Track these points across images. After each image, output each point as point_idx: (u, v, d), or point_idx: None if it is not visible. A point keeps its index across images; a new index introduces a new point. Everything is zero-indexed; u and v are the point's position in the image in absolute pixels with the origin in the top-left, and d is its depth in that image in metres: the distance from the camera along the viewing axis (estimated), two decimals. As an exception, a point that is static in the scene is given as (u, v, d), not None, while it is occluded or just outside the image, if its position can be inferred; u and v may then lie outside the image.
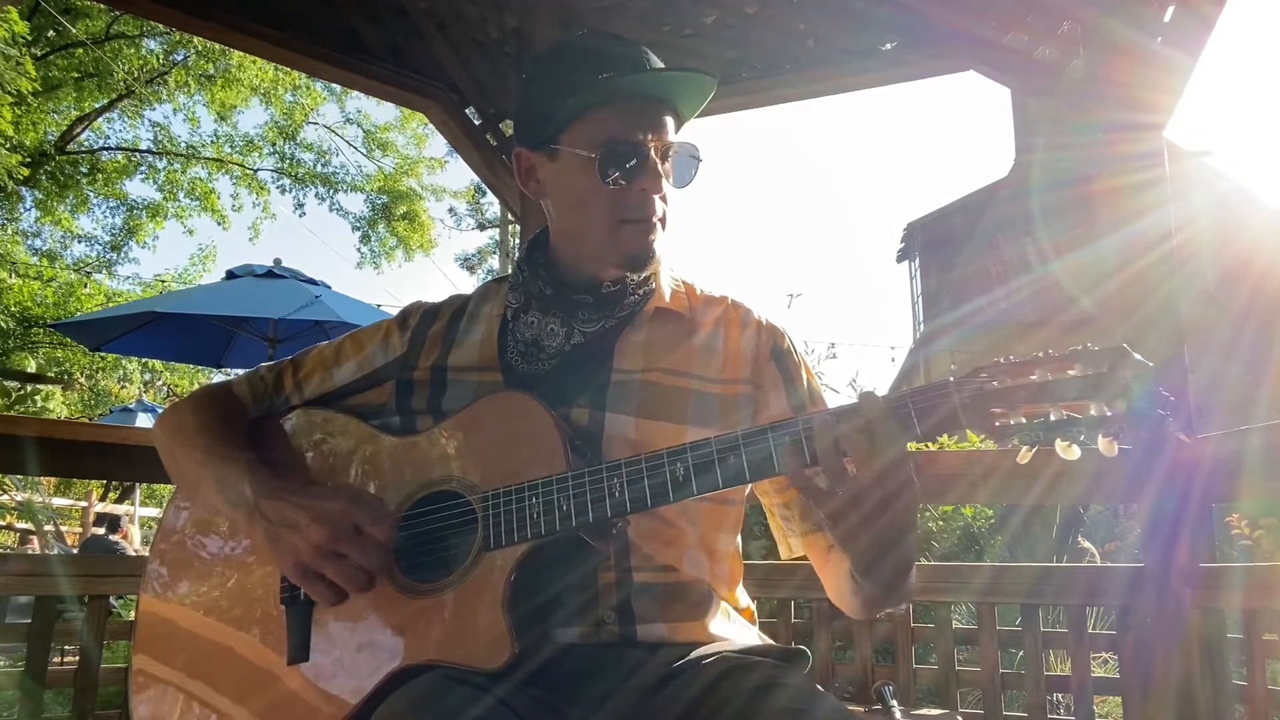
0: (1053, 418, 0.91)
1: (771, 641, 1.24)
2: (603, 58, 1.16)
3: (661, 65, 1.20)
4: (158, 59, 16.94)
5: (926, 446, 3.96)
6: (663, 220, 1.20)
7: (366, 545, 1.08)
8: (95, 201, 18.02)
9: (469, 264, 26.11)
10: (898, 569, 1.03)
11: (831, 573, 1.22)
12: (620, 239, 1.18)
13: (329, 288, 6.77)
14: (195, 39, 14.96)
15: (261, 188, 19.05)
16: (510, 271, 1.33)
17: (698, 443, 1.02)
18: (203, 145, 18.54)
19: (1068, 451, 0.92)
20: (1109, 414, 0.89)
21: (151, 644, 1.26)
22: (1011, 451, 0.96)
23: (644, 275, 1.25)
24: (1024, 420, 0.92)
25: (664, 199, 1.20)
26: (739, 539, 1.29)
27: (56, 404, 14.60)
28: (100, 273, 18.13)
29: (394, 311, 1.41)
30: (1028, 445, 0.93)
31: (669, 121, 1.19)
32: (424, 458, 1.18)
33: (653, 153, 1.16)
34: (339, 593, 1.10)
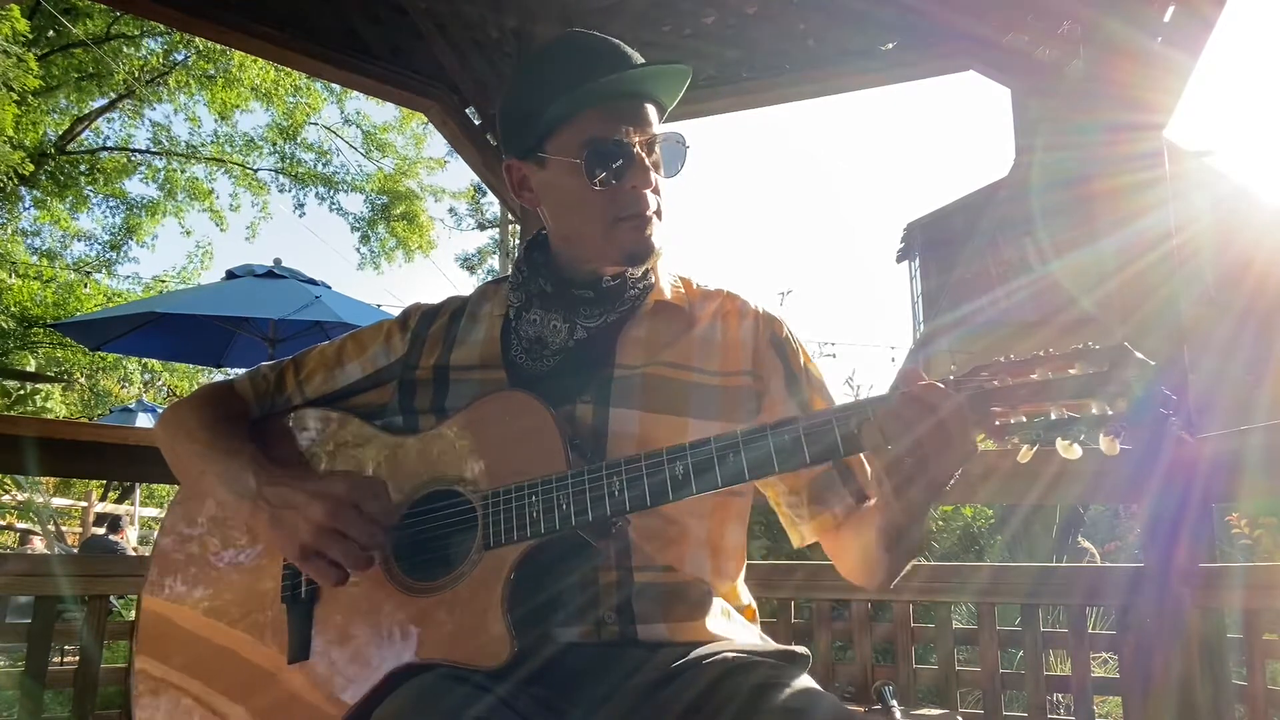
0: (1053, 416, 0.91)
1: (771, 641, 1.24)
2: (575, 63, 1.17)
3: (638, 59, 1.19)
4: (158, 59, 16.94)
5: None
6: (658, 213, 1.20)
7: (366, 523, 1.09)
8: (95, 201, 18.04)
9: (469, 264, 26.10)
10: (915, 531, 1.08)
11: (846, 545, 1.23)
12: (617, 237, 1.19)
13: (329, 288, 6.77)
14: (196, 39, 14.95)
15: (261, 187, 19.06)
16: (510, 272, 1.33)
17: (697, 442, 1.02)
18: (203, 145, 18.56)
19: (1068, 451, 0.91)
20: (1110, 413, 0.89)
21: (153, 644, 1.26)
22: (1011, 451, 0.96)
23: (643, 269, 1.25)
24: (1024, 419, 0.92)
25: (656, 191, 1.20)
26: (744, 533, 1.30)
27: (56, 404, 14.59)
28: (100, 272, 18.14)
29: (394, 312, 1.42)
30: (1028, 444, 0.93)
31: (650, 113, 1.19)
32: (424, 457, 1.18)
33: (637, 148, 1.17)
34: (341, 572, 1.10)
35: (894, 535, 1.08)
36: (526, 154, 1.22)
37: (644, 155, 1.18)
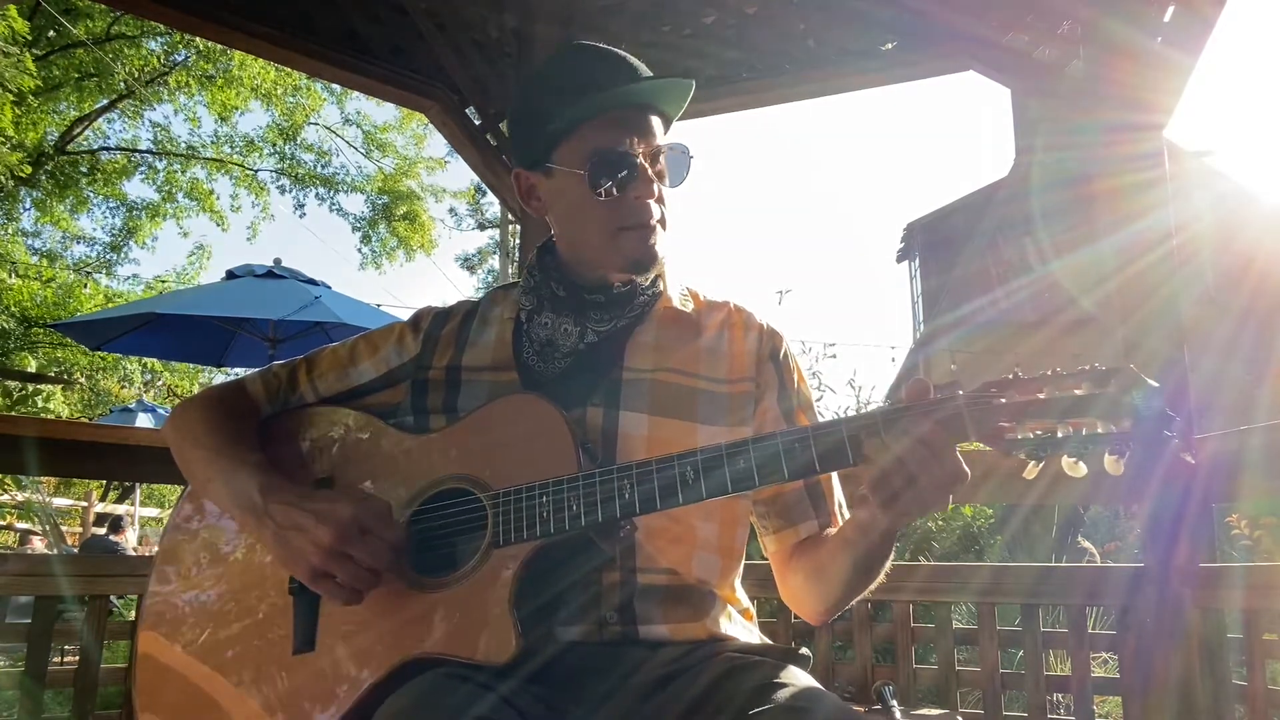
0: (1059, 434, 0.94)
1: (771, 641, 1.25)
2: (583, 73, 1.19)
3: (645, 72, 1.22)
4: (158, 59, 16.93)
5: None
6: (662, 221, 1.22)
7: (373, 546, 1.09)
8: (95, 202, 18.04)
9: (469, 264, 26.12)
10: (877, 557, 1.13)
11: (798, 566, 1.25)
12: (621, 246, 1.20)
13: (329, 288, 6.77)
14: (196, 39, 14.96)
15: (261, 188, 19.05)
16: (521, 276, 1.34)
17: (707, 447, 1.04)
18: (203, 146, 18.56)
19: (1074, 469, 0.94)
20: (1115, 432, 0.91)
21: (156, 637, 1.26)
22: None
23: (651, 277, 1.27)
24: (1031, 435, 0.95)
25: (660, 201, 1.22)
26: (746, 535, 1.31)
27: (57, 404, 14.59)
28: (100, 273, 18.14)
29: (394, 312, 1.43)
30: (1034, 460, 0.95)
31: (655, 124, 1.22)
32: (436, 456, 1.19)
33: (641, 158, 1.18)
34: (351, 593, 1.10)
35: (863, 551, 1.11)
36: (534, 164, 1.24)
37: (648, 166, 1.19)
